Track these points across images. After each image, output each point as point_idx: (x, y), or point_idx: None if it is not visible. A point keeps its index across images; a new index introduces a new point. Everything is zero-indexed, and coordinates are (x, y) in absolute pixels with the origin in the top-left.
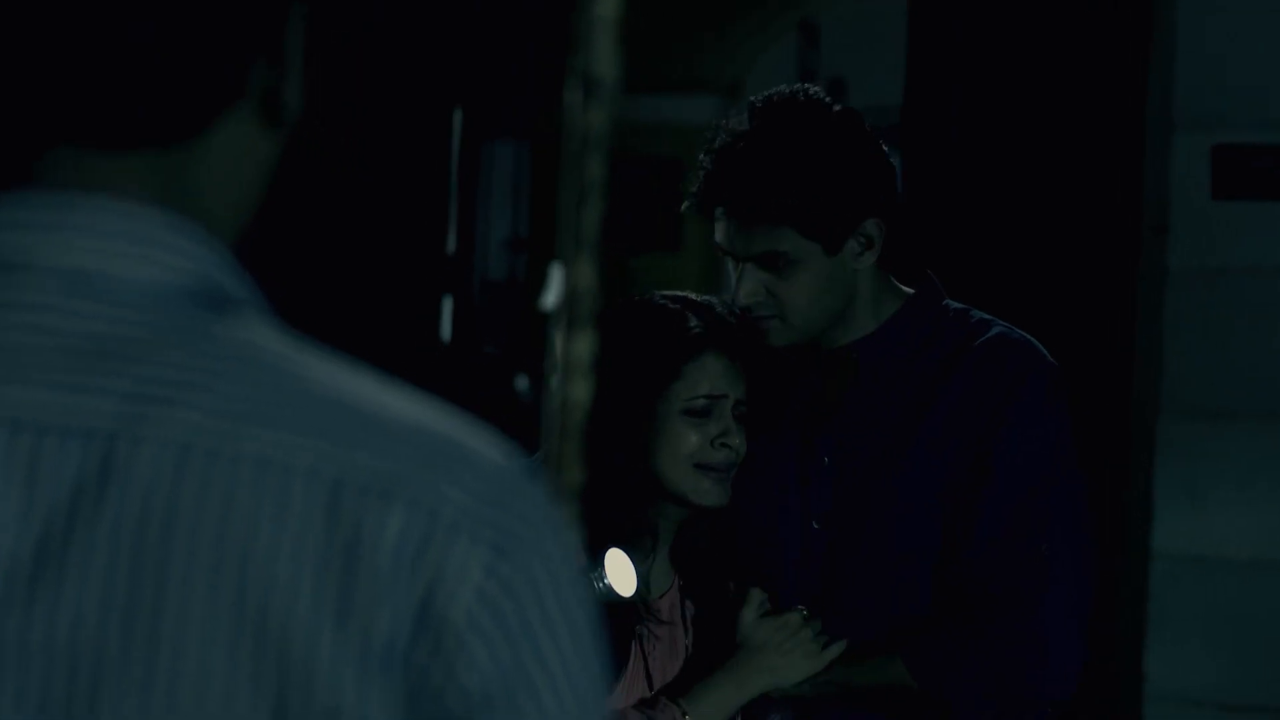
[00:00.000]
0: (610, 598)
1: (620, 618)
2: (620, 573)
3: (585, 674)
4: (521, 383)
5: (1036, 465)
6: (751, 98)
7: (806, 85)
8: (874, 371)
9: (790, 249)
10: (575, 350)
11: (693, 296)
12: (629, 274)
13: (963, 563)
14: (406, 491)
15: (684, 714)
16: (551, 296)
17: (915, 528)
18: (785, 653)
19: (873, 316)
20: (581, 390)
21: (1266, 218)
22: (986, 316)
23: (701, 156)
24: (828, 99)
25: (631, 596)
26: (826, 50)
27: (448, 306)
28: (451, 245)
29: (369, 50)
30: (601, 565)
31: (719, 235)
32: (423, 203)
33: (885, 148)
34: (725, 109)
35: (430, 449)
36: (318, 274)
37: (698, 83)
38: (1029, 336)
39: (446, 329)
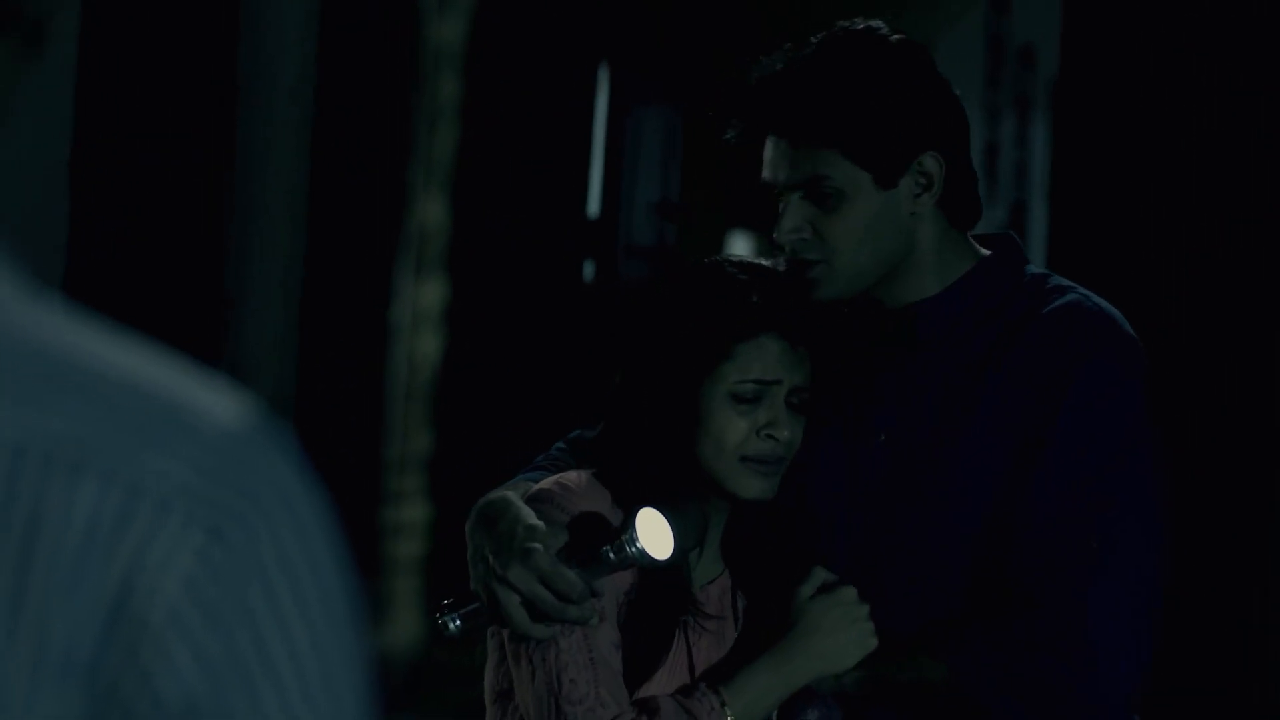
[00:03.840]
0: (644, 562)
1: (662, 601)
2: (654, 534)
3: (326, 676)
4: None
5: (1095, 452)
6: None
7: (871, 21)
8: (934, 337)
9: (837, 176)
10: (424, 298)
11: (766, 265)
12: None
13: (1008, 553)
14: (103, 462)
15: (723, 704)
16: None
17: (968, 513)
18: (837, 634)
19: (938, 276)
20: (431, 343)
21: None
22: (1065, 283)
23: (748, 84)
24: (891, 32)
25: (669, 560)
26: (1018, 19)
27: (589, 270)
28: (595, 208)
29: (516, 4)
30: (632, 526)
31: (764, 169)
32: (566, 164)
33: (953, 91)
34: None
35: (143, 412)
36: (454, 234)
37: None
38: (1107, 306)
39: (588, 293)
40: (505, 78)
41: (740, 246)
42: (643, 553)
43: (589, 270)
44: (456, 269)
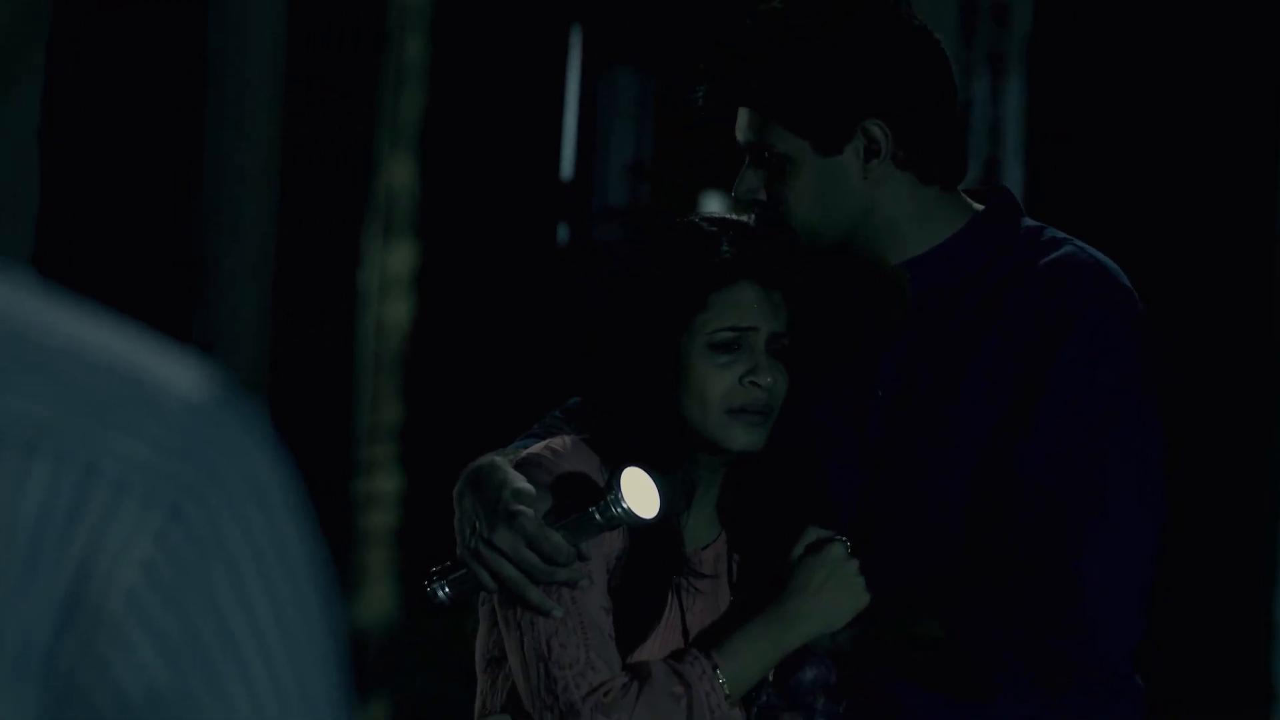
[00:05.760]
0: (630, 522)
1: (653, 564)
2: (640, 493)
3: (294, 660)
4: None
5: (1086, 410)
6: None
7: None
8: (928, 295)
9: (779, 143)
10: (393, 263)
11: (736, 219)
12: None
13: (1003, 512)
14: (58, 442)
15: (714, 667)
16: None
17: (962, 471)
18: (827, 592)
19: (920, 236)
20: (401, 310)
21: None
22: (1060, 235)
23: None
24: None
25: (655, 518)
26: None
27: (563, 233)
28: (568, 171)
29: None
30: (617, 486)
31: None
32: (538, 127)
33: (935, 46)
34: None
35: (101, 389)
36: (424, 196)
37: None
38: (1103, 257)
39: (561, 255)
40: (472, 39)
41: (715, 206)
42: (629, 512)
43: (563, 233)
44: (426, 233)
